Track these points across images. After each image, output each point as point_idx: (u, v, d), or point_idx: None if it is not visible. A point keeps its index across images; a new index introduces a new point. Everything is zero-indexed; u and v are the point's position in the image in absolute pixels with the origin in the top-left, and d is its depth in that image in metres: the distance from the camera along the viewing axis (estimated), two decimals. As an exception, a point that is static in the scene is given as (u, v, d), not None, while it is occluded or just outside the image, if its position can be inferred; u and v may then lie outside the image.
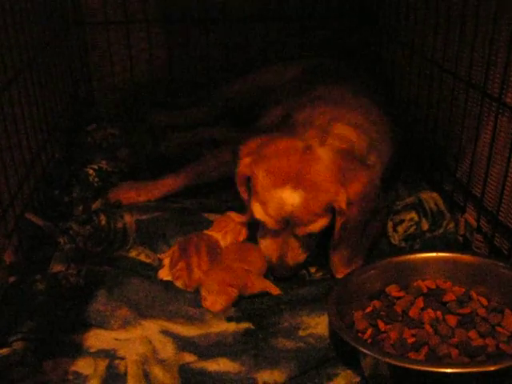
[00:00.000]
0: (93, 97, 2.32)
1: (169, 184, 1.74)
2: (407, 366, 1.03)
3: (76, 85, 2.23)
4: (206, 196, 1.75)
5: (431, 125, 1.73)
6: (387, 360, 1.05)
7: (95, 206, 1.68)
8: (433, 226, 1.55)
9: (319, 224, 1.37)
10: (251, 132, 1.61)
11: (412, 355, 1.11)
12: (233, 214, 1.53)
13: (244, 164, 1.42)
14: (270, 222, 1.38)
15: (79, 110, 2.21)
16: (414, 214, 1.59)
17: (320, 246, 1.46)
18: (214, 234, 1.48)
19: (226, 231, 1.49)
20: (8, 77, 1.47)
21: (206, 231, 1.50)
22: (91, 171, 1.81)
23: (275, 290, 1.35)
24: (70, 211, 1.63)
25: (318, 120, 1.52)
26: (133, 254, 1.49)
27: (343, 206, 1.34)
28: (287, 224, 1.37)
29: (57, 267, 1.42)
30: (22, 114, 1.57)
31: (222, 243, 1.47)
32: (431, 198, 1.62)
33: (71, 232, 1.52)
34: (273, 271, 1.42)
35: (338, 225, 1.37)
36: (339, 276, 1.40)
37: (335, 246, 1.39)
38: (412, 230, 1.55)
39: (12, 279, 1.36)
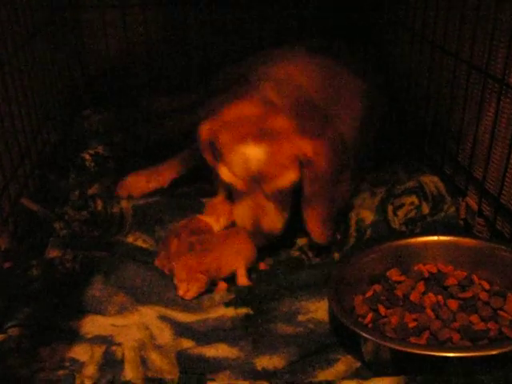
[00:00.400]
0: (89, 81, 2.28)
1: (174, 169, 1.71)
2: (408, 350, 1.02)
3: (72, 69, 2.20)
4: (203, 181, 1.72)
5: (432, 107, 1.71)
6: (388, 344, 1.03)
7: (91, 191, 1.66)
8: (433, 209, 1.52)
9: (288, 178, 1.33)
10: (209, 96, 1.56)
11: (413, 340, 1.09)
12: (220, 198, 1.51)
13: (204, 129, 1.39)
14: (238, 183, 1.35)
15: (75, 95, 2.18)
16: (414, 198, 1.56)
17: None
18: (207, 218, 1.46)
19: (218, 215, 1.46)
20: (0, 59, 1.44)
21: (199, 216, 1.48)
22: (87, 156, 1.79)
23: (242, 280, 1.32)
24: (65, 196, 1.61)
25: (275, 75, 1.48)
26: (130, 239, 1.47)
27: (310, 154, 1.31)
28: (256, 184, 1.34)
29: (53, 253, 1.39)
30: (17, 97, 1.54)
31: (216, 227, 1.45)
32: (432, 182, 1.59)
33: (67, 217, 1.50)
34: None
35: (307, 177, 1.33)
36: (317, 239, 1.39)
37: (307, 200, 1.36)
38: (412, 214, 1.53)
39: (7, 265, 1.34)
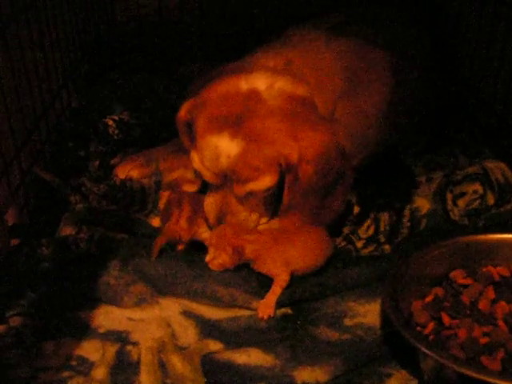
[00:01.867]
0: (117, 41, 2.11)
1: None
2: (482, 378, 0.84)
3: (98, 27, 2.03)
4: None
5: (504, 81, 1.50)
6: (457, 369, 0.86)
7: (114, 162, 1.50)
8: (500, 200, 1.35)
9: (261, 183, 1.15)
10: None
11: (484, 359, 0.91)
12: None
13: (184, 108, 1.24)
14: (206, 175, 1.19)
15: (101, 55, 2.01)
16: (478, 186, 1.38)
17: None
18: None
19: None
20: (16, 8, 1.28)
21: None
22: (111, 122, 1.63)
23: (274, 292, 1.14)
24: (84, 167, 1.46)
25: (272, 63, 1.29)
26: (153, 221, 1.31)
27: (293, 160, 1.13)
28: (226, 180, 1.18)
29: (66, 230, 1.25)
30: (33, 54, 1.39)
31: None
32: (497, 168, 1.41)
33: (84, 190, 1.35)
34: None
35: (286, 185, 1.16)
36: None
37: (284, 210, 1.20)
38: (476, 204, 1.35)
39: (14, 242, 1.21)
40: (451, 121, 1.67)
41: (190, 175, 1.37)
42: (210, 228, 1.22)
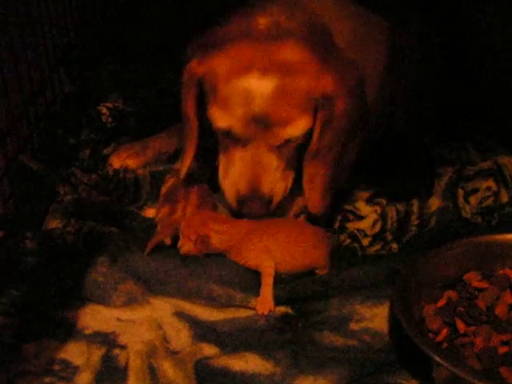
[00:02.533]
0: (115, 23, 2.01)
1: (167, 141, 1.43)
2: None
3: (95, 8, 1.94)
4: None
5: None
6: (475, 381, 0.79)
7: (107, 151, 1.42)
8: (514, 198, 1.28)
9: (301, 123, 1.07)
10: None
11: (504, 371, 0.84)
12: None
13: (193, 65, 1.11)
14: (237, 127, 1.07)
15: (97, 39, 1.93)
16: (491, 183, 1.31)
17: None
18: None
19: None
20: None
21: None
22: (105, 110, 1.55)
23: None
24: (74, 156, 1.38)
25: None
26: (147, 212, 1.23)
27: (330, 93, 1.05)
28: (260, 130, 1.07)
29: (53, 223, 1.17)
30: (22, 34, 1.31)
31: None
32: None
33: (73, 180, 1.28)
34: (241, 208, 1.12)
35: (318, 124, 1.08)
36: (311, 205, 1.14)
37: (312, 154, 1.11)
38: (489, 201, 1.28)
39: None
40: (461, 114, 1.60)
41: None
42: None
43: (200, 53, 1.11)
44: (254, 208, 1.12)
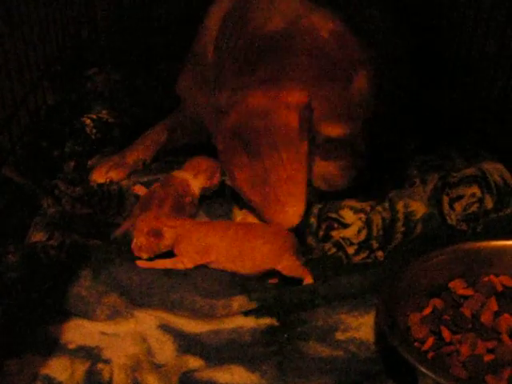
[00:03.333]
0: (97, 37, 2.02)
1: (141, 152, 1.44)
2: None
3: (79, 22, 1.94)
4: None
5: (500, 81, 1.44)
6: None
7: (91, 162, 1.42)
8: (498, 204, 1.27)
9: None
10: None
11: (490, 379, 0.84)
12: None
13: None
14: None
15: (80, 52, 1.92)
16: (476, 189, 1.30)
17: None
18: (185, 174, 1.28)
19: (197, 171, 1.28)
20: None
21: (176, 172, 1.29)
22: (88, 121, 1.54)
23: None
24: (58, 168, 1.37)
25: None
26: (136, 188, 1.27)
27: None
28: None
29: (36, 236, 1.16)
30: (4, 47, 1.29)
31: (193, 184, 1.26)
32: (496, 170, 1.34)
33: (57, 192, 1.26)
34: None
35: None
36: None
37: None
38: (474, 208, 1.27)
39: None
40: (446, 121, 1.60)
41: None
42: None
43: None
44: None
